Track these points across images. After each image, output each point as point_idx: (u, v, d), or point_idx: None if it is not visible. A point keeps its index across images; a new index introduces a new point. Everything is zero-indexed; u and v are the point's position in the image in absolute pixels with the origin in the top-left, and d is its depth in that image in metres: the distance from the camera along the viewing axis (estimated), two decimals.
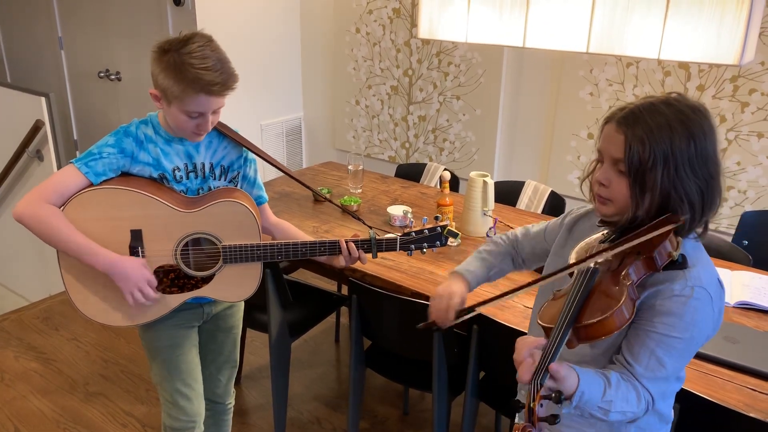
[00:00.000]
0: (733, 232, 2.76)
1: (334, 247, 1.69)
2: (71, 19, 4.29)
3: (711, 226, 3.21)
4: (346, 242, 1.68)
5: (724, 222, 2.98)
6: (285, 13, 4.11)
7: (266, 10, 3.97)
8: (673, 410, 1.33)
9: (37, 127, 3.42)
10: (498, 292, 1.33)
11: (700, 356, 1.67)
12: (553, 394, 1.03)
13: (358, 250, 1.69)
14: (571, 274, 1.20)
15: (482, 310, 1.42)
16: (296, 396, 2.80)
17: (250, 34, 3.88)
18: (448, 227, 1.71)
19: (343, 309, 3.16)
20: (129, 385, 2.86)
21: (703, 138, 1.11)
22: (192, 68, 1.49)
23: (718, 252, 2.33)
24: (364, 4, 3.88)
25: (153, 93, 1.58)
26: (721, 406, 1.45)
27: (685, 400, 1.50)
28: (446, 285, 1.49)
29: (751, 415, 1.42)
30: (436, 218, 1.73)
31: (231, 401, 2.06)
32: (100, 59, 4.19)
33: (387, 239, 1.70)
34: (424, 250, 1.72)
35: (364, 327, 2.18)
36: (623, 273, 1.11)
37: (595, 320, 1.08)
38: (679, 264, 1.14)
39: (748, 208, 2.89)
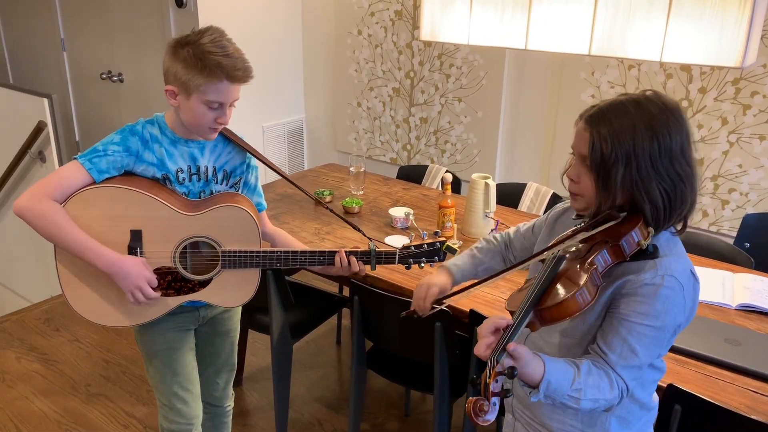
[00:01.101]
0: (734, 234, 2.76)
1: (333, 258, 1.69)
2: (73, 20, 4.30)
3: (712, 228, 3.20)
4: (347, 254, 1.69)
5: (726, 224, 2.98)
6: (287, 14, 4.12)
7: (268, 12, 3.98)
8: (655, 399, 1.34)
9: (39, 128, 3.43)
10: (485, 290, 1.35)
11: (701, 358, 1.68)
12: (506, 371, 1.05)
13: (357, 262, 1.70)
14: (543, 262, 1.24)
15: (455, 300, 1.52)
16: (297, 397, 2.80)
17: (252, 35, 3.89)
18: (447, 243, 1.72)
19: (345, 310, 3.16)
20: (130, 386, 2.86)
21: (668, 137, 1.13)
22: (213, 56, 1.51)
23: (720, 254, 2.33)
24: (365, 6, 3.89)
25: (169, 89, 1.57)
26: (722, 408, 1.45)
27: (686, 402, 1.50)
28: (429, 276, 1.54)
29: (753, 417, 1.42)
30: (436, 233, 1.74)
31: (230, 404, 2.05)
32: (102, 61, 4.20)
33: (386, 253, 1.71)
34: (422, 264, 1.73)
35: (366, 328, 2.18)
36: (589, 260, 1.15)
37: (555, 302, 1.11)
38: (649, 254, 1.17)
39: (750, 210, 2.89)
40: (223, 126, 1.63)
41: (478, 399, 1.04)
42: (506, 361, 1.07)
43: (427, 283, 1.52)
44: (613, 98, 1.19)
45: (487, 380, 1.04)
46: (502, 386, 1.06)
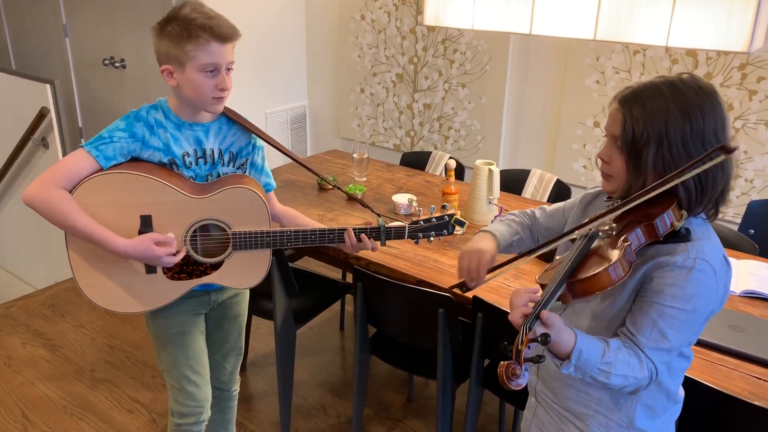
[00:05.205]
0: (739, 221, 2.75)
1: (342, 235, 1.69)
2: (76, 6, 4.28)
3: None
4: (357, 231, 1.68)
5: (731, 211, 2.97)
6: (289, 0, 4.09)
7: None
8: (681, 393, 1.33)
9: (42, 114, 3.43)
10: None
11: (705, 345, 1.68)
12: (540, 338, 1.06)
13: (369, 238, 1.70)
14: (573, 242, 1.24)
15: (510, 268, 1.38)
16: (301, 383, 2.81)
17: (255, 21, 3.87)
18: (456, 216, 1.71)
19: (348, 297, 3.17)
20: (135, 372, 2.88)
21: (701, 120, 1.12)
22: (197, 21, 1.53)
23: (725, 241, 2.30)
24: None
25: (165, 69, 1.58)
26: (726, 394, 1.45)
27: (690, 388, 1.50)
28: (474, 243, 1.44)
29: (756, 403, 1.42)
30: (444, 207, 1.74)
31: (236, 388, 2.07)
32: (104, 47, 4.19)
33: (395, 227, 1.71)
34: (431, 238, 1.73)
35: (369, 314, 2.18)
36: (623, 237, 1.15)
37: (588, 275, 1.11)
38: (681, 236, 1.16)
39: (755, 197, 2.87)
40: (226, 93, 1.62)
41: (510, 363, 1.05)
42: (538, 329, 1.08)
43: (476, 249, 1.41)
44: (648, 80, 1.19)
45: (519, 347, 1.05)
46: (535, 352, 1.07)
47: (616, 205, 1.20)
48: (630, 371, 1.14)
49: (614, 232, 1.18)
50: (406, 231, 1.71)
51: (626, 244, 1.13)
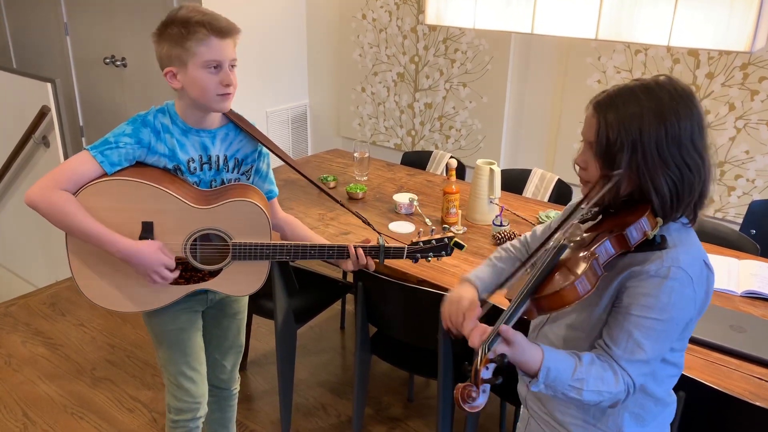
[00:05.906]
0: (740, 221, 2.74)
1: (342, 252, 1.70)
2: (77, 5, 4.28)
3: (718, 215, 3.19)
4: (355, 248, 1.69)
5: (732, 211, 2.96)
6: None
7: None
8: (674, 395, 1.32)
9: (42, 113, 3.43)
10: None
11: (706, 345, 1.67)
12: (497, 358, 1.04)
13: (366, 256, 1.70)
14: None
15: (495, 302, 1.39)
16: (302, 382, 2.81)
17: (256, 20, 3.86)
18: (455, 239, 1.72)
19: (349, 296, 3.16)
20: (135, 371, 2.88)
21: (676, 124, 1.10)
22: (194, 19, 1.54)
23: (726, 241, 2.31)
24: None
25: (168, 71, 1.58)
26: (726, 394, 1.45)
27: (691, 388, 1.50)
28: (455, 290, 1.45)
29: (757, 403, 1.42)
30: (444, 228, 1.74)
31: (236, 387, 2.06)
32: (105, 45, 4.19)
33: (394, 248, 1.71)
34: (429, 259, 1.73)
35: (370, 314, 2.18)
36: (591, 249, 1.12)
37: (553, 290, 1.09)
38: (657, 245, 1.14)
39: (756, 197, 2.87)
40: (231, 89, 1.61)
41: (467, 385, 1.03)
42: (499, 349, 1.06)
43: (457, 297, 1.39)
44: (624, 84, 1.16)
45: (478, 367, 1.03)
46: (493, 373, 1.04)
47: (589, 215, 1.19)
48: (604, 386, 1.11)
49: (586, 243, 1.15)
50: (405, 252, 1.71)
51: (594, 257, 1.11)
